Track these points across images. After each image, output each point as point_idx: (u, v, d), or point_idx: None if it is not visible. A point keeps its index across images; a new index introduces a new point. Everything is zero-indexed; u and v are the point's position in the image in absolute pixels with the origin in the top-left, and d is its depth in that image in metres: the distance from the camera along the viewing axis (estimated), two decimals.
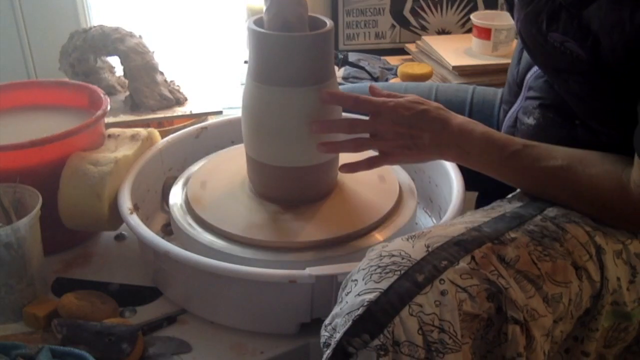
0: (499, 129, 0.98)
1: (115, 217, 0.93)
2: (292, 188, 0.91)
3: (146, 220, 0.99)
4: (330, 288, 0.77)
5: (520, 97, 0.89)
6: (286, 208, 0.91)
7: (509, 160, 0.75)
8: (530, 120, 0.84)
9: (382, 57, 1.77)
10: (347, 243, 0.87)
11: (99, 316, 0.84)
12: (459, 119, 0.80)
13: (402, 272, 0.60)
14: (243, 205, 0.93)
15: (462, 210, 0.90)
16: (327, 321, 0.62)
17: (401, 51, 1.82)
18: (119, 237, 1.04)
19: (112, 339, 0.79)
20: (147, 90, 1.31)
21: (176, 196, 0.98)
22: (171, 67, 1.42)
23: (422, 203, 1.07)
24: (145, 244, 0.86)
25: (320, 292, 0.78)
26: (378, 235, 0.89)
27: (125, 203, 0.92)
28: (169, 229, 1.02)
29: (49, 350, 0.75)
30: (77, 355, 0.76)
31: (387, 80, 1.60)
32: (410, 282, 0.59)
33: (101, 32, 1.33)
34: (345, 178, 0.98)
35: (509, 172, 0.76)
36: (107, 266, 0.98)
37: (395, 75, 1.63)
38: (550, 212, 0.71)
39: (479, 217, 0.71)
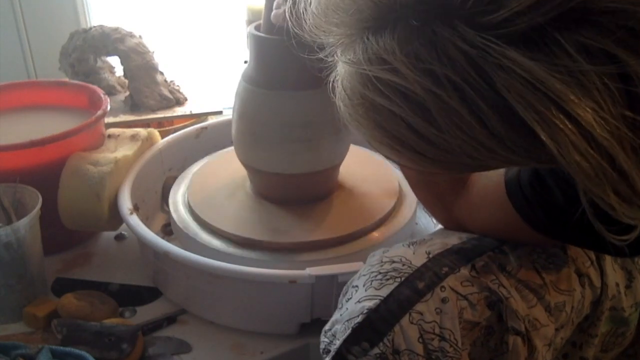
0: None
1: (115, 217, 0.93)
2: (292, 192, 0.91)
3: (146, 220, 0.99)
4: (330, 288, 0.77)
5: None
6: (286, 208, 0.91)
7: None
8: None
9: None
10: (347, 243, 0.87)
11: (98, 316, 0.84)
12: None
13: (403, 279, 0.59)
14: (243, 205, 0.93)
15: None
16: (327, 327, 0.62)
17: None
18: (119, 237, 1.04)
19: (112, 339, 0.79)
20: (147, 90, 1.31)
21: (176, 196, 0.98)
22: (171, 67, 1.42)
23: None
24: (145, 244, 0.86)
25: (320, 292, 0.78)
26: (378, 235, 0.89)
27: (125, 203, 0.91)
28: (169, 229, 1.02)
29: (49, 351, 0.75)
30: (77, 355, 0.76)
31: None
32: (410, 289, 0.58)
33: (101, 32, 1.33)
34: (345, 178, 0.98)
35: None
36: (107, 266, 0.98)
37: None
38: None
39: None
